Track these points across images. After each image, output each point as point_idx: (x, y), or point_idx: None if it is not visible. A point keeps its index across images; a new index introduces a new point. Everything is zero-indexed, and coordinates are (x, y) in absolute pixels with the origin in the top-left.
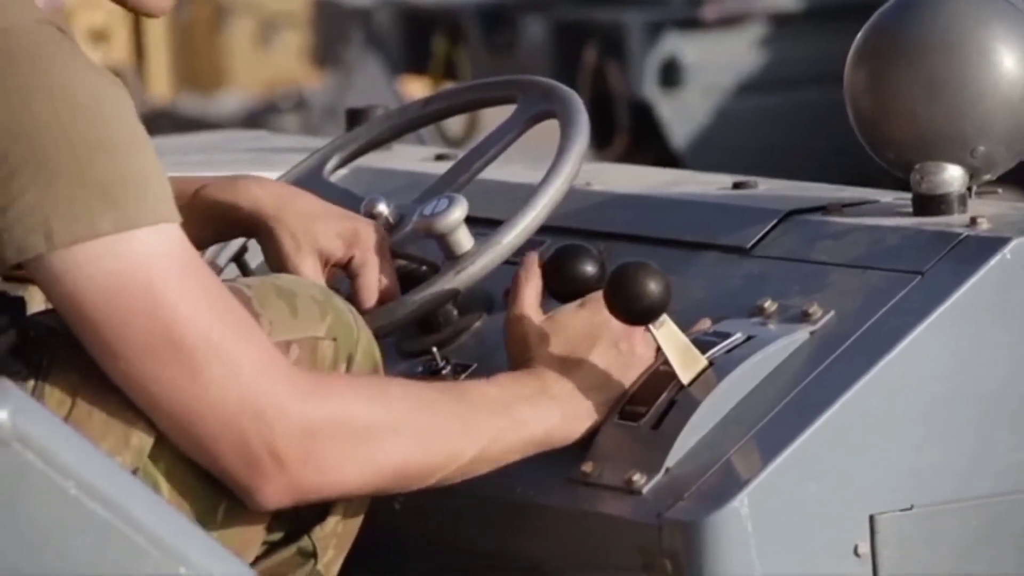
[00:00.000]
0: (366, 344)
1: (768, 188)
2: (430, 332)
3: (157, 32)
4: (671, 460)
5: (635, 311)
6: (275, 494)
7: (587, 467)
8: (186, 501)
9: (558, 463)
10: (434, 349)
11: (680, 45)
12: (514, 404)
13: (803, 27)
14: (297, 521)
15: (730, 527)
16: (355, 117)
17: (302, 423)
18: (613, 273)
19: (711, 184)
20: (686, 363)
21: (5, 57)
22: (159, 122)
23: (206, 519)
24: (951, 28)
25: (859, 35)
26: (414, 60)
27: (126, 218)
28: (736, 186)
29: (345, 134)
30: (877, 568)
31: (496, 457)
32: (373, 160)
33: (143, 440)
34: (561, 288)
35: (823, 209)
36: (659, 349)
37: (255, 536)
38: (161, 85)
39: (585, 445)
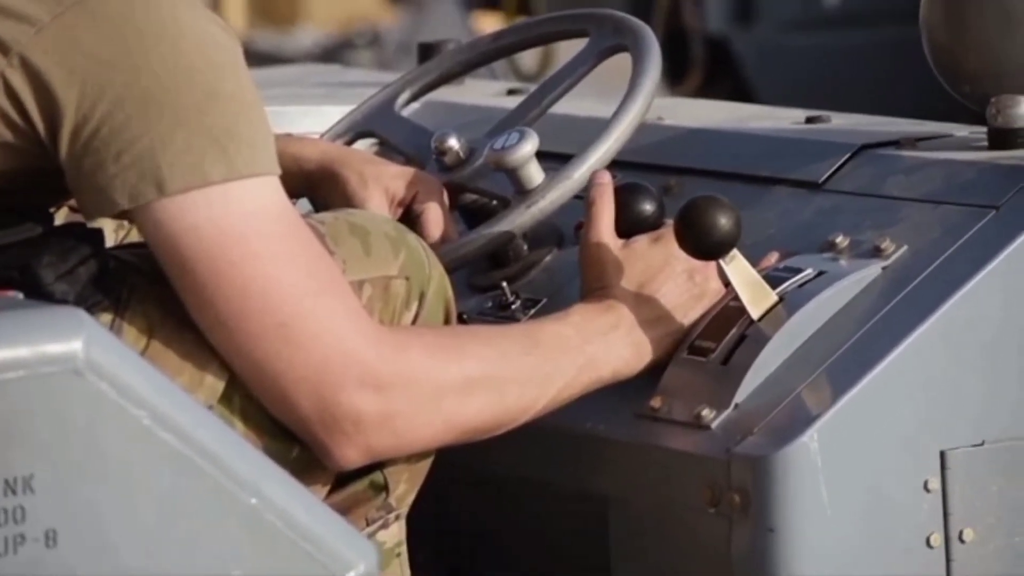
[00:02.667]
0: (438, 281)
1: (841, 123)
2: (500, 266)
3: None
4: (740, 395)
5: (705, 245)
6: (351, 454)
7: (656, 402)
8: (259, 440)
9: (627, 397)
10: (504, 284)
11: None
12: (588, 343)
13: None
14: None
15: (799, 462)
16: (427, 51)
17: (381, 386)
18: (684, 207)
19: (784, 119)
20: (756, 298)
21: (124, 1)
22: None
23: (280, 457)
24: None
25: None
26: None
27: (235, 169)
28: (809, 120)
29: (416, 68)
30: (947, 504)
31: (568, 397)
32: (444, 95)
33: (217, 379)
34: (618, 226)
35: (896, 143)
36: (729, 284)
37: (329, 474)
38: (237, 20)
39: (654, 379)
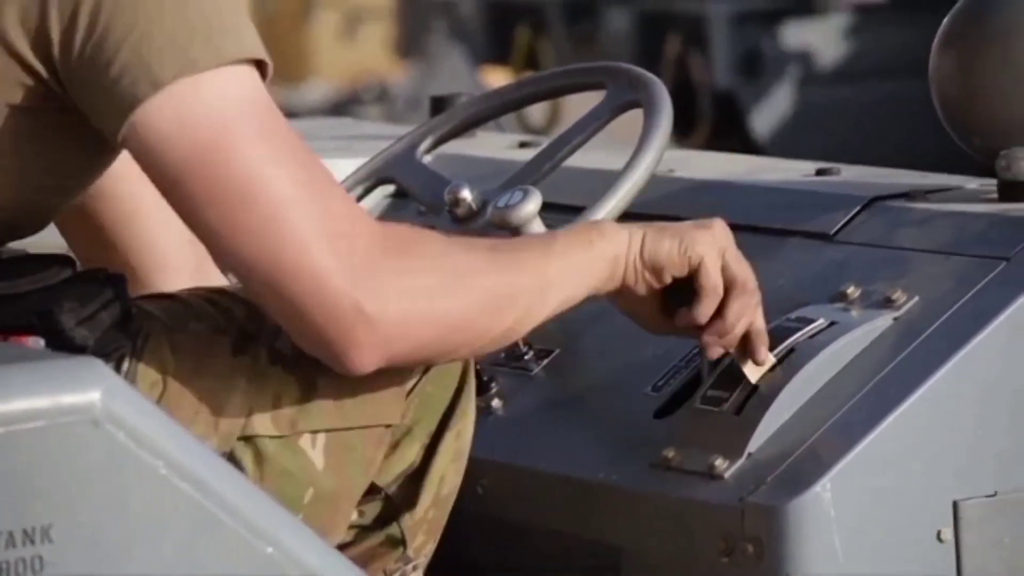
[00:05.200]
0: None
1: (851, 175)
2: None
3: None
4: (753, 445)
5: None
6: (365, 354)
7: (669, 452)
8: (274, 483)
9: (641, 448)
10: None
11: (762, 35)
12: (573, 249)
13: (883, 17)
14: (387, 506)
15: (813, 511)
16: (439, 105)
17: (387, 279)
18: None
19: (794, 171)
20: (754, 364)
21: None
22: None
23: (294, 501)
24: None
25: (946, 19)
26: (497, 51)
27: (222, 55)
28: (819, 172)
29: (438, 116)
30: (960, 554)
31: (565, 291)
32: (458, 147)
33: (232, 424)
34: None
35: (907, 195)
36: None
37: (342, 520)
38: None
39: (668, 430)
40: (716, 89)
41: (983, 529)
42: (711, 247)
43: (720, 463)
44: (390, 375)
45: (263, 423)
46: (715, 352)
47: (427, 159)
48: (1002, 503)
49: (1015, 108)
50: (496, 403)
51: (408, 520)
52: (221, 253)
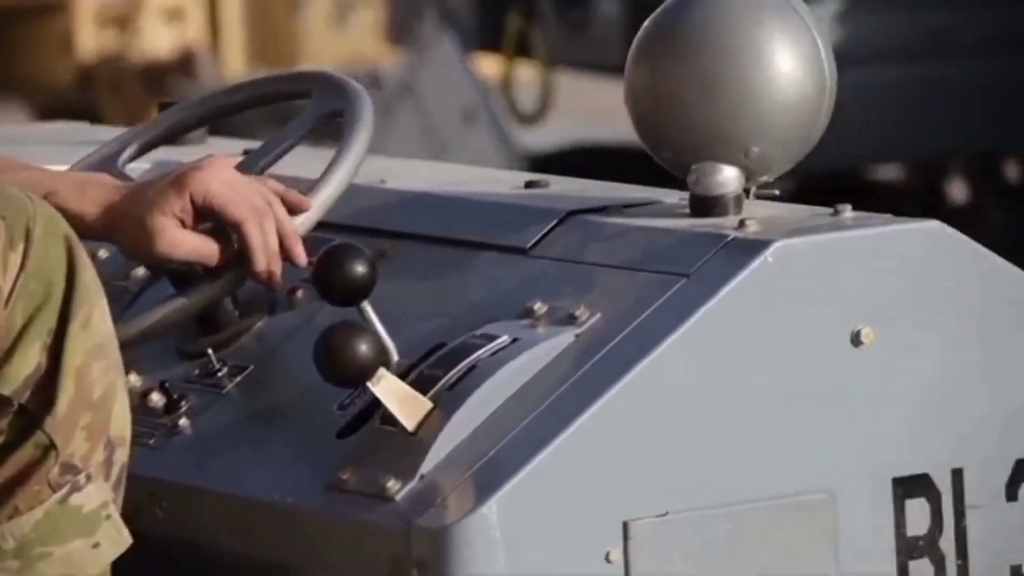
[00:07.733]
0: (47, 218)
1: (558, 188)
2: (209, 333)
3: (232, 10)
4: (427, 466)
5: (349, 376)
6: None
7: (345, 473)
8: None
9: (320, 469)
10: (210, 351)
11: None
12: None
13: (876, 3)
14: (26, 416)
15: (477, 533)
16: (165, 109)
17: None
18: (321, 337)
19: (504, 183)
20: (409, 411)
21: None
22: None
23: None
24: (727, 28)
25: (638, 34)
26: (488, 37)
27: None
28: (528, 185)
29: (140, 124)
30: (629, 575)
31: None
32: (180, 154)
33: None
34: (331, 288)
35: (604, 210)
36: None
37: None
38: (236, 63)
39: (348, 450)
40: None
41: (653, 549)
42: None
43: (392, 484)
44: None
45: None
46: None
47: (130, 167)
48: (672, 523)
49: (702, 123)
50: (184, 422)
51: (50, 423)
52: None
